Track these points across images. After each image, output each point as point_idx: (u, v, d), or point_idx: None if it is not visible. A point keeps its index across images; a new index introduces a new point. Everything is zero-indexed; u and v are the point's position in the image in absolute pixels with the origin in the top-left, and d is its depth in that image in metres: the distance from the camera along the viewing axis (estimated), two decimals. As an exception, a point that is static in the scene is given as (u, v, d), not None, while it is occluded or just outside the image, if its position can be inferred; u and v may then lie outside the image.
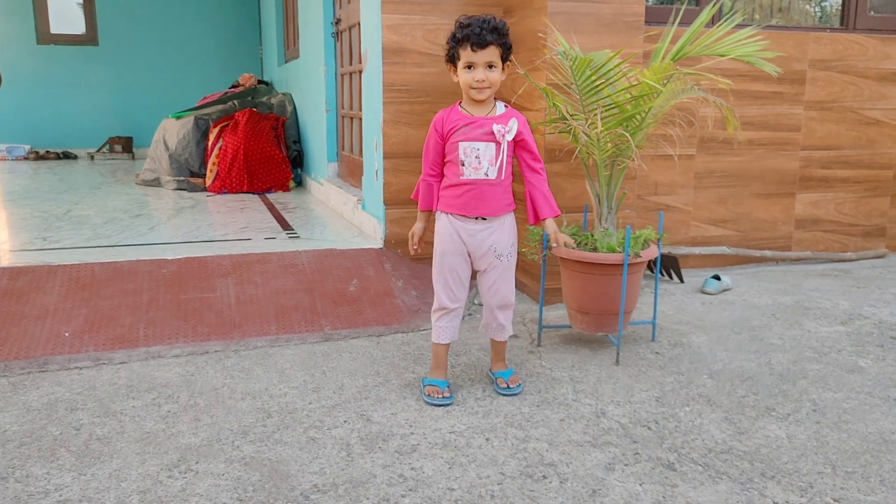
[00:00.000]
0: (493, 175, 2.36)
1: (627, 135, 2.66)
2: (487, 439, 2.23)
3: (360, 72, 4.53)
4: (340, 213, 4.76)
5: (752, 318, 3.40)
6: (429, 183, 2.48)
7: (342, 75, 5.10)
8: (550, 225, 2.48)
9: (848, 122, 4.52)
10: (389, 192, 3.78)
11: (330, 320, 3.17)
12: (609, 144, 2.75)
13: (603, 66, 2.62)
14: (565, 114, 2.80)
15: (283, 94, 7.01)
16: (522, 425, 2.32)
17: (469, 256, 2.47)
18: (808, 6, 4.92)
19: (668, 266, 4.03)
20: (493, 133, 2.33)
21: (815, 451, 2.15)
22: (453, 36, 2.31)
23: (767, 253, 4.44)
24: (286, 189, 6.20)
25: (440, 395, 2.45)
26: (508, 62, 2.35)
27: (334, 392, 2.56)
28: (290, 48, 7.33)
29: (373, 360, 2.85)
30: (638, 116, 2.73)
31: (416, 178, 3.80)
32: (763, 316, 3.44)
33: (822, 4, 4.90)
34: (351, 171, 4.95)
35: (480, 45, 2.25)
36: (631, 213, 3.70)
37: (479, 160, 2.36)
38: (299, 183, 6.49)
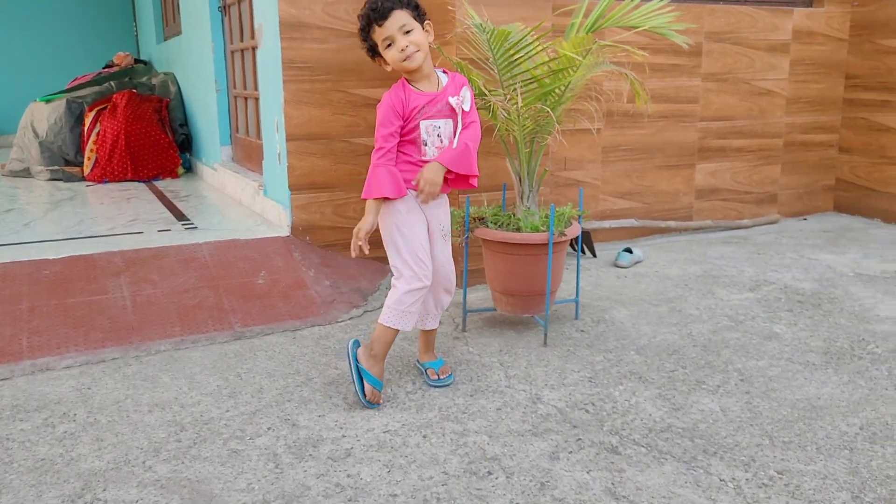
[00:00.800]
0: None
1: (549, 110, 2.58)
2: (425, 436, 2.11)
3: (254, 48, 4.25)
4: (239, 200, 4.49)
5: (668, 290, 3.43)
6: (390, 169, 2.22)
7: (232, 52, 4.78)
8: (423, 172, 2.25)
9: (741, 92, 4.65)
10: (295, 177, 3.56)
11: (240, 317, 2.95)
12: (529, 121, 2.65)
13: (521, 39, 2.51)
14: (483, 89, 2.68)
15: (165, 73, 6.56)
16: (459, 418, 2.22)
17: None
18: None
19: (582, 241, 4.02)
20: (451, 108, 2.21)
21: (750, 423, 2.16)
22: (361, 29, 2.20)
23: (672, 223, 4.52)
24: (175, 176, 5.81)
25: (379, 401, 2.29)
26: (427, 21, 2.20)
27: (253, 396, 2.37)
28: (169, 24, 6.86)
29: (291, 358, 2.67)
30: (557, 91, 2.65)
31: (324, 161, 3.61)
32: (677, 287, 3.48)
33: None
34: (248, 155, 4.67)
35: (383, 14, 2.13)
36: (546, 189, 3.65)
37: (441, 138, 2.24)
38: (189, 168, 6.10)
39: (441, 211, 2.35)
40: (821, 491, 1.81)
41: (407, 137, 2.25)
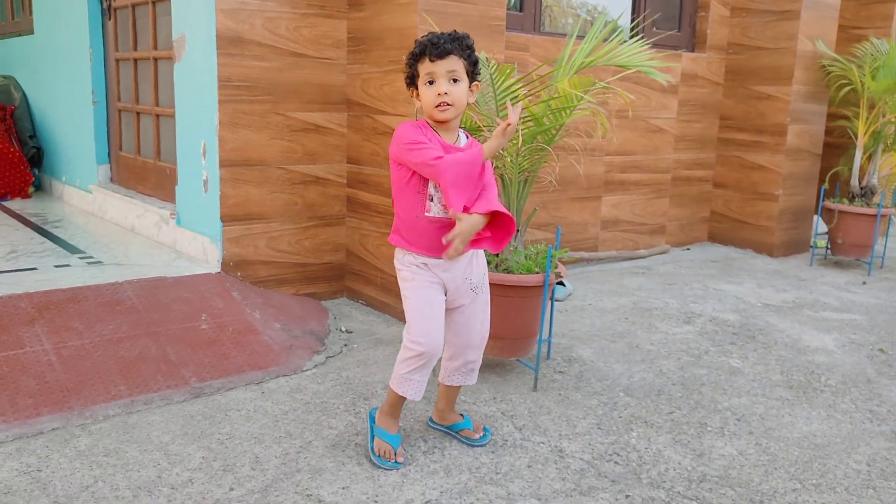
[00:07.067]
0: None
1: (549, 148, 2.51)
2: (473, 505, 1.94)
3: (156, 59, 3.81)
4: (131, 228, 3.97)
5: (613, 325, 3.48)
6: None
7: (118, 61, 4.25)
8: (459, 225, 1.97)
9: (639, 129, 4.88)
10: (228, 206, 3.21)
11: (193, 370, 2.58)
12: (526, 161, 2.57)
13: (528, 74, 2.43)
14: (480, 125, 2.56)
15: (4, 77, 5.72)
16: (495, 480, 2.07)
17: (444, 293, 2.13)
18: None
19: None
20: None
21: (773, 466, 2.21)
22: (411, 54, 1.99)
23: (584, 254, 4.63)
24: (25, 195, 5.07)
25: (392, 459, 2.08)
26: (476, 83, 2.04)
27: (253, 468, 2.06)
28: (10, 20, 6.00)
29: (273, 419, 2.37)
30: (553, 129, 2.59)
31: (259, 190, 3.28)
32: (619, 321, 3.54)
33: (609, 19, 5.21)
34: (138, 177, 4.16)
35: (440, 54, 1.94)
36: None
37: None
38: (38, 187, 5.35)
39: (469, 265, 2.13)
40: (877, 535, 1.88)
41: (413, 189, 2.03)
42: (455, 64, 1.96)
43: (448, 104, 1.96)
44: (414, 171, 1.99)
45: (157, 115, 3.86)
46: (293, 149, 3.36)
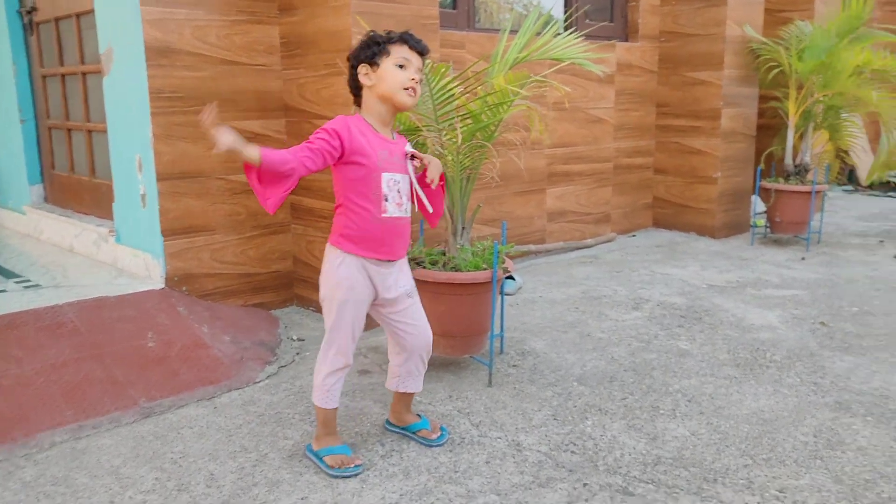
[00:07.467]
0: (408, 211, 2.07)
1: (489, 145, 2.53)
2: (434, 505, 1.94)
3: (84, 73, 3.71)
4: (69, 248, 3.86)
5: (564, 315, 3.52)
6: (295, 168, 1.88)
7: (44, 77, 4.12)
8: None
9: (579, 120, 4.93)
10: (168, 221, 3.14)
11: (141, 390, 2.52)
12: (467, 158, 2.58)
13: (463, 72, 2.43)
14: (418, 125, 2.56)
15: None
16: (455, 478, 2.07)
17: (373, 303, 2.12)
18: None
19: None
20: (405, 161, 2.03)
21: (724, 444, 2.27)
22: (378, 38, 1.98)
23: (532, 247, 4.67)
24: (-47, 219, 4.87)
25: (350, 465, 2.07)
26: None
27: (208, 486, 2.03)
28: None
29: (227, 434, 2.33)
30: (492, 126, 2.60)
31: (200, 202, 3.23)
32: (569, 311, 3.58)
33: (542, 12, 5.26)
34: (74, 195, 4.04)
35: (420, 50, 1.99)
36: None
37: (401, 194, 2.03)
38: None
39: (402, 271, 2.15)
40: None
41: (366, 190, 2.00)
42: (423, 62, 2.01)
43: (415, 91, 1.98)
44: (367, 172, 1.97)
45: (90, 131, 3.76)
46: (232, 158, 3.29)
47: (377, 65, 1.97)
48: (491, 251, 2.76)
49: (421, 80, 2.03)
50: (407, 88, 1.96)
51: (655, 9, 5.32)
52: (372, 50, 1.97)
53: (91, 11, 3.40)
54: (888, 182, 7.68)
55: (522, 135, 4.31)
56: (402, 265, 2.14)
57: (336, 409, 2.14)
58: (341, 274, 2.03)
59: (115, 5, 3.15)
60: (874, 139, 7.37)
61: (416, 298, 2.18)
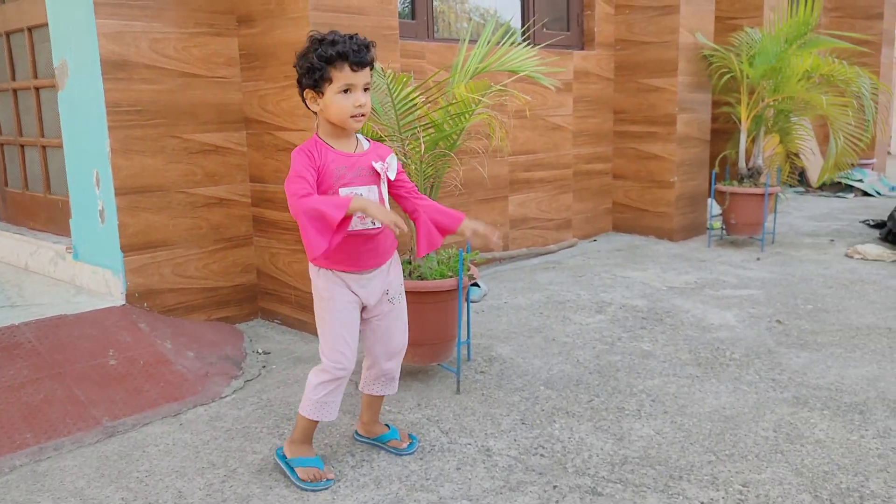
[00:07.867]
0: (378, 222, 2.02)
1: (452, 154, 2.55)
2: (406, 514, 1.94)
3: (38, 88, 3.65)
4: (25, 267, 3.78)
5: (529, 320, 3.55)
6: (319, 198, 1.89)
7: (-6, 92, 4.03)
8: (469, 224, 2.14)
9: (539, 128, 5.00)
10: (127, 236, 3.10)
11: (104, 409, 2.48)
12: (431, 168, 2.60)
13: (424, 82, 2.46)
14: (381, 134, 2.57)
15: None
16: (426, 486, 2.08)
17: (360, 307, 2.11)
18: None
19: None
20: (374, 173, 2.00)
21: (688, 442, 2.31)
22: (318, 55, 1.88)
23: (496, 253, 4.70)
24: None
25: (322, 479, 2.06)
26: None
27: (176, 503, 2.00)
28: None
29: (194, 450, 2.30)
30: (454, 135, 2.63)
31: (160, 216, 3.18)
32: (534, 316, 3.62)
33: (500, 22, 5.32)
34: (28, 212, 3.96)
35: (361, 63, 1.89)
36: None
37: None
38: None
39: (388, 277, 2.13)
40: (787, 497, 1.99)
41: None
42: (368, 75, 1.95)
43: (363, 115, 1.95)
44: (329, 186, 1.96)
45: (44, 147, 3.69)
46: (193, 171, 3.27)
47: (322, 92, 1.92)
48: (456, 259, 2.78)
49: (368, 99, 1.95)
50: (354, 116, 1.92)
51: (610, 17, 5.42)
52: (314, 78, 1.90)
53: (44, 25, 3.35)
54: (838, 183, 7.92)
55: (484, 143, 4.35)
56: (389, 269, 2.12)
57: (312, 421, 2.11)
58: (320, 284, 2.05)
59: (70, 18, 3.10)
60: (823, 142, 7.60)
61: (400, 305, 2.17)
